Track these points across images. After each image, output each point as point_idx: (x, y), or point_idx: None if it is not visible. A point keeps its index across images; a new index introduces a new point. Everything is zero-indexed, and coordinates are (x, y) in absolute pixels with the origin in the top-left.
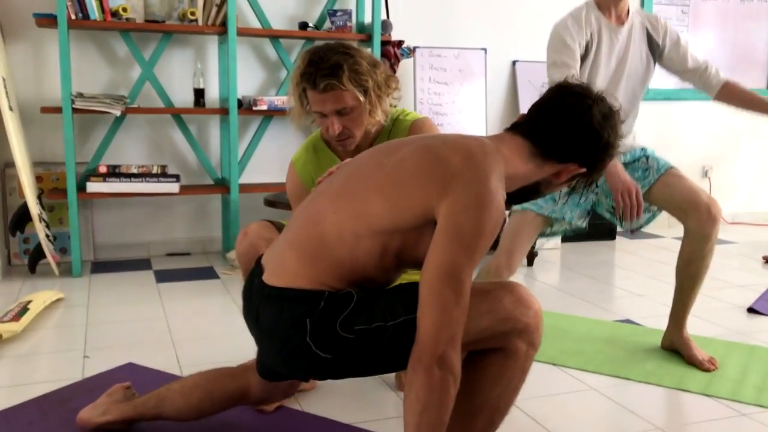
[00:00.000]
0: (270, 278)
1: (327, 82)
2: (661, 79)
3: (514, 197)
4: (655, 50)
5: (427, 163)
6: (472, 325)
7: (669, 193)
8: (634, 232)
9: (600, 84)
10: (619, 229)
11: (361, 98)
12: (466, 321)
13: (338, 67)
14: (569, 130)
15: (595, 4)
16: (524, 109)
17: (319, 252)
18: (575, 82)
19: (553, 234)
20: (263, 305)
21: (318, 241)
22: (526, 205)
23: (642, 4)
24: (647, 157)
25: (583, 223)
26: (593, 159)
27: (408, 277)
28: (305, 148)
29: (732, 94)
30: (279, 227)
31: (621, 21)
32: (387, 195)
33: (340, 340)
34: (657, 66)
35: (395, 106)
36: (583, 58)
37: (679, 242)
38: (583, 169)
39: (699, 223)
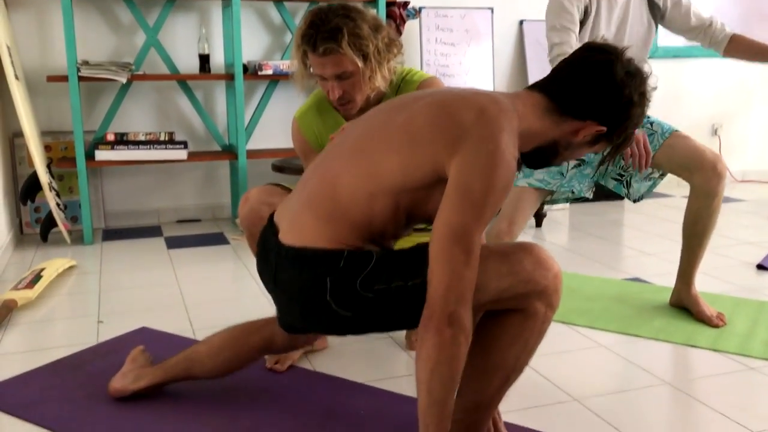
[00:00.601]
0: (287, 238)
1: (326, 45)
2: (670, 36)
3: (532, 159)
4: (656, 12)
5: (438, 119)
6: (492, 285)
7: (673, 154)
8: (636, 201)
9: None
10: (626, 197)
11: (360, 64)
12: (487, 281)
13: (338, 30)
14: (586, 84)
15: None
16: (532, 69)
17: (335, 212)
18: (601, 41)
19: (554, 201)
20: (282, 265)
21: (333, 202)
22: (533, 182)
23: None
24: (651, 123)
25: (589, 194)
26: (613, 117)
27: (419, 237)
28: (309, 106)
29: (740, 47)
30: (283, 189)
31: None
32: (398, 152)
33: (359, 298)
34: (660, 27)
35: (402, 63)
36: (582, 22)
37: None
38: (603, 129)
39: (705, 180)
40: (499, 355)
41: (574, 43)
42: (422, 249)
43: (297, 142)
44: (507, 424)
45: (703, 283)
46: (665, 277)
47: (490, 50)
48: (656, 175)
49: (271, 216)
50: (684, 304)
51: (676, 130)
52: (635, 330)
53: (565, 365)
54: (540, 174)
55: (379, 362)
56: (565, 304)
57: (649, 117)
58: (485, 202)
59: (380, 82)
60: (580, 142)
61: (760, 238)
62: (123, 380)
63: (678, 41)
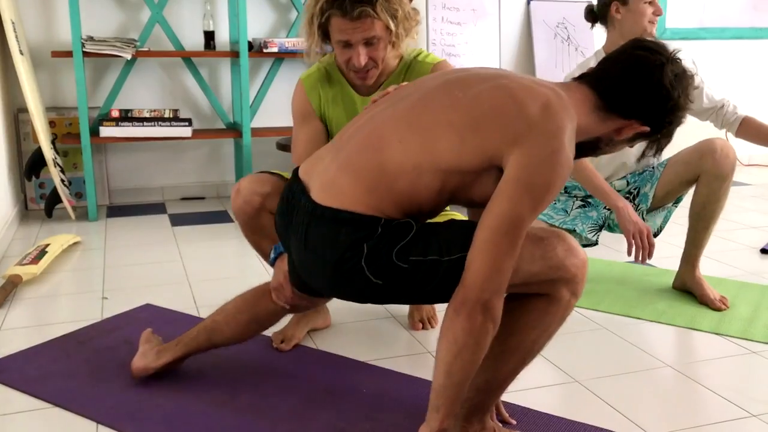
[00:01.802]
0: (322, 198)
1: (361, 8)
2: (679, 18)
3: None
4: None
5: (505, 106)
6: (524, 268)
7: (678, 162)
8: (656, 236)
9: None
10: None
11: (393, 27)
12: (519, 263)
13: None
14: (637, 85)
15: (605, 52)
16: (538, 49)
17: (379, 181)
18: (650, 38)
19: None
20: (315, 224)
21: (378, 170)
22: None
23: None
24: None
25: (594, 237)
26: (659, 118)
27: (451, 214)
28: (317, 68)
29: (751, 130)
30: (274, 177)
31: None
32: (459, 132)
33: (394, 267)
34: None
35: (415, 38)
36: None
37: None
38: (647, 129)
39: (715, 163)
40: (518, 337)
41: None
42: (459, 226)
43: (298, 103)
44: (508, 405)
45: (706, 266)
46: (669, 260)
47: (496, 30)
48: (670, 204)
49: (296, 172)
50: (688, 286)
51: (669, 158)
52: (638, 312)
53: (567, 346)
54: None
55: (381, 341)
56: None
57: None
58: (542, 197)
59: (404, 48)
60: (621, 140)
61: (765, 222)
62: (144, 359)
63: (687, 22)
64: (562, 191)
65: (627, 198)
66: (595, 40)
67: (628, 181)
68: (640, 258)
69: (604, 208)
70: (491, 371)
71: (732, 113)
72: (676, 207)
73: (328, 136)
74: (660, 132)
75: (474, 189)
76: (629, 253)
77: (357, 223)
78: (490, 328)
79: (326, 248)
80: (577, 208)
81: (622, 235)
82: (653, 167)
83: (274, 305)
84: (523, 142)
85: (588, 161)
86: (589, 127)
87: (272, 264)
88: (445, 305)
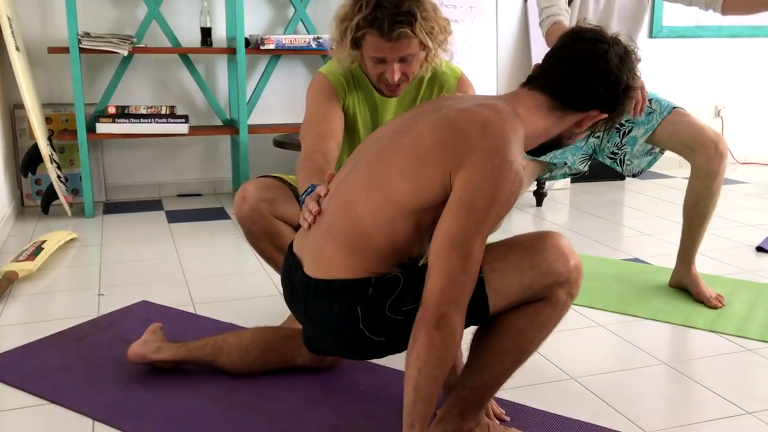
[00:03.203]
0: (313, 271)
1: (400, 30)
2: (674, 16)
3: (536, 151)
4: None
5: (443, 138)
6: (516, 283)
7: (674, 131)
8: (636, 176)
9: (589, 21)
10: (622, 173)
11: (430, 45)
12: (509, 278)
13: (411, 14)
14: (587, 79)
15: None
16: (536, 47)
17: (358, 242)
18: (586, 26)
19: (552, 178)
20: (312, 299)
21: (355, 232)
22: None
23: None
24: (650, 100)
25: (584, 167)
26: (614, 104)
27: None
28: (338, 70)
29: (735, 2)
30: (279, 182)
31: None
32: (409, 176)
33: (390, 322)
34: (665, 6)
35: (447, 49)
36: None
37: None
38: (605, 115)
39: (706, 160)
40: (515, 338)
41: (563, 6)
42: None
43: (322, 88)
44: (505, 402)
45: (702, 264)
46: (665, 257)
47: (494, 27)
48: (656, 150)
49: (290, 246)
50: (684, 284)
51: (676, 107)
52: (634, 310)
53: (563, 344)
54: None
55: None
56: None
57: (648, 92)
58: (488, 213)
59: (439, 60)
60: (582, 130)
61: (760, 220)
62: (144, 347)
63: (682, 21)
64: None
65: (617, 129)
66: None
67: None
68: (631, 111)
69: (593, 135)
70: (487, 371)
71: None
72: (662, 155)
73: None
74: (617, 113)
75: None
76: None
77: (348, 290)
78: (450, 342)
79: (325, 319)
80: None
81: (618, 231)
82: (652, 111)
83: (283, 356)
84: (465, 164)
85: None
86: (548, 128)
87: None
88: None
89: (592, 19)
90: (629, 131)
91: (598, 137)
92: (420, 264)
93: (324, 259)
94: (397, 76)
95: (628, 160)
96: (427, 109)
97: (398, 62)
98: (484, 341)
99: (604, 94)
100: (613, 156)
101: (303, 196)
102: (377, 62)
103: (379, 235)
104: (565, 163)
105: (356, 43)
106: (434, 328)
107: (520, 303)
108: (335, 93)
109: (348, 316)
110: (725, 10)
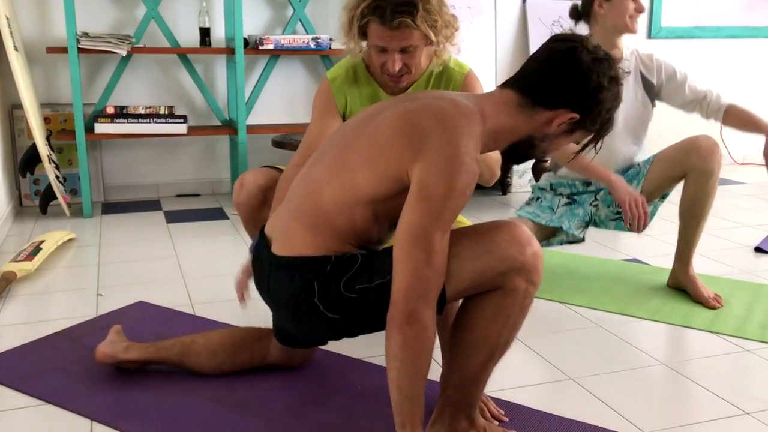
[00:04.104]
0: (278, 249)
1: (401, 19)
2: (674, 17)
3: (511, 155)
4: (651, 90)
5: (399, 130)
6: (469, 267)
7: (664, 159)
8: (641, 232)
9: None
10: (625, 232)
11: (432, 37)
12: (463, 263)
13: (413, 5)
14: (554, 73)
15: None
16: (534, 47)
17: (320, 222)
18: (566, 31)
19: (549, 245)
20: (274, 275)
21: (317, 213)
22: (523, 214)
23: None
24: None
25: (581, 234)
26: (584, 103)
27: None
28: (345, 68)
29: (735, 119)
30: (277, 171)
31: None
32: (369, 164)
33: (344, 299)
34: (657, 102)
35: (455, 44)
36: None
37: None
38: (576, 116)
39: (700, 159)
40: (481, 331)
41: None
42: None
43: (323, 98)
44: (501, 401)
45: (700, 265)
46: (663, 258)
47: (492, 28)
48: (656, 199)
49: (262, 229)
50: (681, 285)
51: (656, 153)
52: (632, 310)
53: (561, 344)
54: (530, 207)
55: (375, 339)
56: (562, 283)
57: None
58: (444, 204)
59: (447, 55)
60: (555, 132)
61: (758, 220)
62: (112, 347)
63: (680, 21)
64: (548, 189)
65: (610, 196)
66: None
67: None
68: (636, 226)
69: (590, 204)
70: (463, 368)
71: (716, 102)
72: (662, 202)
73: None
74: (590, 117)
75: None
76: (626, 223)
77: (308, 266)
78: (423, 337)
79: (284, 294)
80: (563, 205)
81: (616, 233)
82: (639, 164)
83: (252, 356)
84: (421, 156)
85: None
86: (516, 126)
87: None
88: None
89: None
90: None
91: (595, 206)
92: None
93: (289, 238)
94: (397, 66)
95: None
96: (397, 100)
97: (399, 53)
98: (455, 339)
99: (571, 90)
100: (617, 216)
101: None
102: (380, 51)
103: (340, 217)
104: (562, 227)
105: (362, 33)
106: (406, 325)
107: (476, 290)
108: (335, 103)
109: (305, 290)
110: (724, 123)
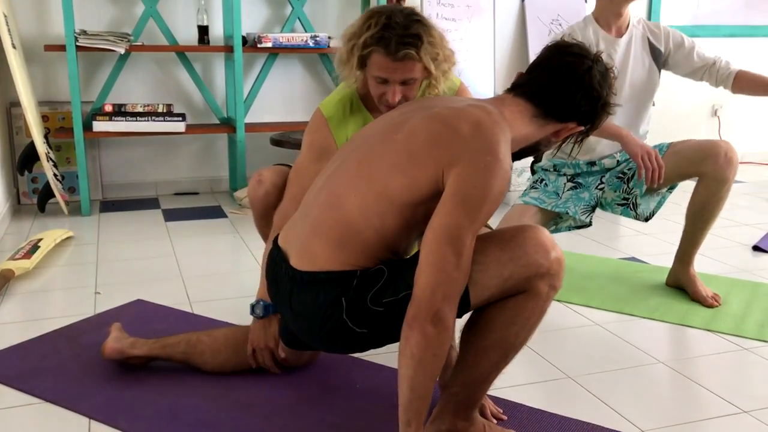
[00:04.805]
0: (299, 263)
1: (406, 51)
2: (672, 16)
3: (514, 156)
4: (659, 57)
5: (436, 134)
6: (495, 274)
7: (681, 156)
8: (647, 220)
9: None
10: (635, 218)
11: (433, 70)
12: (488, 270)
13: (418, 37)
14: (571, 91)
15: (594, 18)
16: (533, 46)
17: (346, 236)
18: (572, 41)
19: (557, 230)
20: (297, 291)
21: (344, 226)
22: (528, 200)
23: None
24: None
25: (587, 218)
26: (592, 118)
27: None
28: (341, 104)
29: (746, 83)
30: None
31: (620, 33)
32: (403, 170)
33: (372, 313)
34: (664, 71)
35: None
36: None
37: (685, 181)
38: (581, 128)
39: (717, 167)
40: (499, 332)
41: None
42: None
43: (321, 137)
44: (500, 400)
45: (699, 263)
46: (661, 256)
47: (491, 26)
48: (664, 189)
49: (276, 239)
50: (681, 283)
51: (672, 142)
52: (630, 309)
53: (559, 343)
54: (535, 193)
55: None
56: None
57: None
58: (479, 208)
59: (441, 88)
60: (558, 140)
61: (757, 219)
62: (119, 343)
63: (679, 21)
64: (551, 169)
65: (619, 179)
66: None
67: (618, 161)
68: (650, 180)
69: (596, 188)
70: (474, 367)
71: (725, 68)
72: (670, 193)
73: None
74: (593, 126)
75: None
76: (639, 177)
77: (334, 282)
78: (444, 338)
79: (309, 310)
80: (568, 190)
81: (614, 233)
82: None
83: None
84: (458, 161)
85: None
86: (529, 134)
87: (255, 316)
88: None
89: None
90: (632, 175)
91: (601, 189)
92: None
93: (310, 252)
94: (397, 98)
95: (638, 201)
96: (417, 107)
97: (400, 84)
98: (470, 338)
99: (585, 107)
100: (624, 201)
101: (258, 312)
102: (380, 82)
103: (369, 229)
104: (567, 212)
105: (362, 63)
106: (429, 325)
107: (501, 296)
108: (334, 140)
109: (333, 306)
110: (734, 90)
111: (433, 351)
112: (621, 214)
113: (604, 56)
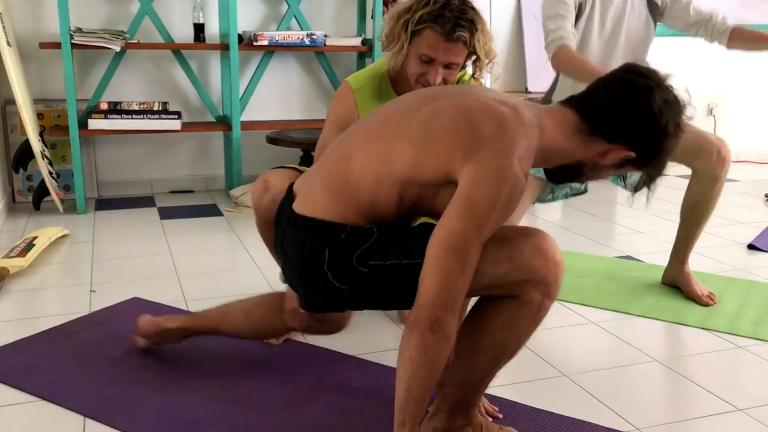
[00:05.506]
0: (299, 206)
1: (461, 33)
2: None
3: (555, 175)
4: (655, 10)
5: (459, 122)
6: (489, 271)
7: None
8: (636, 191)
9: (593, 46)
10: (624, 188)
11: (482, 57)
12: (484, 266)
13: (473, 23)
14: (622, 106)
15: None
16: (529, 46)
17: (342, 189)
18: (644, 65)
19: (555, 199)
20: (289, 231)
21: (343, 179)
22: None
23: None
24: None
25: (583, 186)
26: (645, 144)
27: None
28: (371, 79)
29: (742, 38)
30: (299, 174)
31: None
32: (414, 144)
33: (355, 272)
34: (660, 24)
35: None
36: (576, 17)
37: (682, 180)
38: (632, 154)
39: (709, 164)
40: (489, 337)
41: (570, 29)
42: (424, 230)
43: (346, 110)
44: (497, 399)
45: (694, 262)
46: (657, 255)
47: (487, 26)
48: None
49: (291, 184)
50: (676, 282)
51: None
52: (626, 307)
53: (555, 341)
54: None
55: (370, 336)
56: None
57: None
58: (488, 216)
59: (482, 83)
60: (606, 165)
61: (752, 218)
62: (153, 318)
63: None
64: None
65: None
66: None
67: None
68: None
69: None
70: (466, 369)
71: (721, 24)
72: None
73: None
74: (649, 160)
75: (436, 202)
76: None
77: (323, 230)
78: (443, 345)
79: (295, 253)
80: None
81: (609, 231)
82: None
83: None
84: (473, 158)
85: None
86: (570, 149)
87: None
88: None
89: (596, 43)
90: None
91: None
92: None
93: (311, 198)
94: (438, 79)
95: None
96: (452, 90)
97: (443, 67)
98: (464, 339)
99: (636, 129)
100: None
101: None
102: (425, 61)
103: (363, 189)
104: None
105: (411, 39)
106: (429, 331)
107: (491, 292)
108: (357, 113)
109: (315, 254)
110: (730, 45)
111: (431, 357)
112: (613, 182)
113: (597, 9)
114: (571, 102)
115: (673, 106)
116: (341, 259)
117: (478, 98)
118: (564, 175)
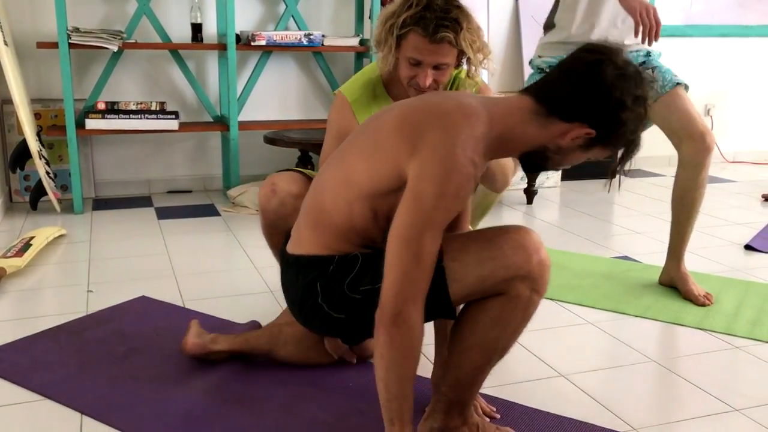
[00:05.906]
0: (291, 247)
1: (444, 34)
2: (666, 15)
3: (525, 164)
4: None
5: (399, 124)
6: (474, 273)
7: (667, 114)
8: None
9: None
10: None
11: (472, 55)
12: (467, 269)
13: (457, 22)
14: (572, 84)
15: None
16: (527, 45)
17: (320, 220)
18: (602, 41)
19: None
20: (285, 272)
21: (319, 210)
22: None
23: None
24: (653, 68)
25: None
26: (601, 119)
27: None
28: (364, 87)
29: None
30: (306, 178)
31: None
32: (366, 159)
33: (348, 300)
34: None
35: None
36: None
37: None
38: (592, 132)
39: (693, 151)
40: (479, 335)
41: None
42: None
43: (345, 121)
44: (494, 399)
45: (691, 262)
46: (654, 255)
47: (485, 25)
48: (648, 122)
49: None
50: (673, 282)
51: (678, 84)
52: (623, 308)
53: (552, 341)
54: None
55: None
56: (554, 280)
57: (650, 55)
58: (435, 206)
59: (479, 79)
60: (570, 146)
61: (749, 218)
62: (201, 338)
63: (672, 20)
64: (537, 71)
65: None
66: None
67: None
68: (647, 38)
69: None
70: (458, 368)
71: None
72: (650, 125)
73: None
74: (609, 137)
75: None
76: (636, 34)
77: (312, 265)
78: (410, 337)
79: (291, 292)
80: None
81: (606, 231)
82: (654, 81)
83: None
84: (417, 153)
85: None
86: (528, 134)
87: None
88: None
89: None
90: None
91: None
92: None
93: (299, 237)
94: (428, 81)
95: None
96: (401, 102)
97: (432, 69)
98: (455, 338)
99: (589, 105)
100: None
101: None
102: (413, 64)
103: (338, 215)
104: None
105: (398, 43)
106: (392, 326)
107: (481, 294)
108: (354, 118)
109: (309, 290)
110: None
111: (401, 351)
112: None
113: None
114: (528, 89)
115: (629, 78)
116: (333, 289)
117: (422, 99)
118: (533, 162)
